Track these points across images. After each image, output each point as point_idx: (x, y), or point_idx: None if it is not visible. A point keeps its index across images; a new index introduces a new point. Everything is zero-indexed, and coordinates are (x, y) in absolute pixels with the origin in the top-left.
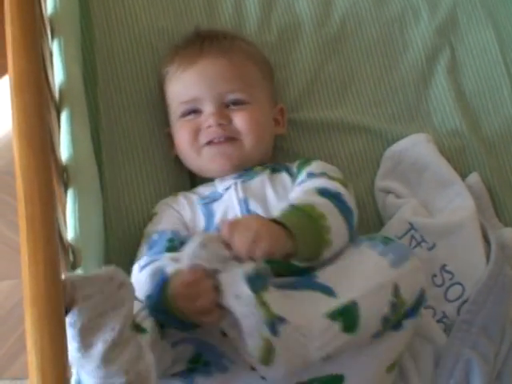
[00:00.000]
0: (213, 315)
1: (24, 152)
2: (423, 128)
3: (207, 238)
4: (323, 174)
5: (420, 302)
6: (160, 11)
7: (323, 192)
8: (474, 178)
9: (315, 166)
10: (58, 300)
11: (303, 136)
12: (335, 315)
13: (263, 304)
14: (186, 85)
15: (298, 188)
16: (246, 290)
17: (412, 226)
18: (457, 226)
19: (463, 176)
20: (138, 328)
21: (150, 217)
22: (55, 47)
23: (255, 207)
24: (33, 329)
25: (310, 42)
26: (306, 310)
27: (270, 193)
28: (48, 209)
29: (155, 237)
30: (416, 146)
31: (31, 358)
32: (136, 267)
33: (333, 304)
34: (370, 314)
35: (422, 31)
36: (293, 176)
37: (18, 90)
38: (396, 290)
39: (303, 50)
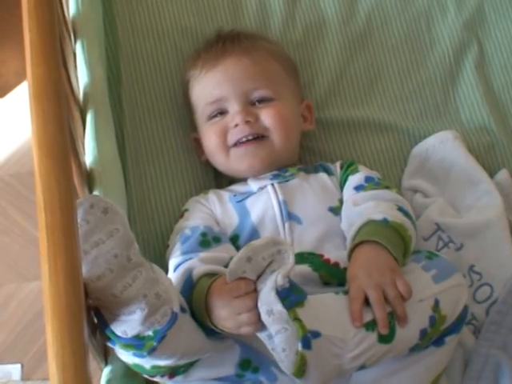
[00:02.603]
0: (252, 328)
1: (43, 161)
2: (451, 124)
3: (252, 252)
4: (381, 181)
5: (463, 318)
6: (184, 10)
7: (401, 209)
8: (503, 174)
9: (365, 169)
10: (79, 312)
11: (329, 135)
12: (372, 325)
13: (296, 320)
14: (210, 86)
15: (365, 194)
16: (278, 307)
17: (439, 227)
18: (484, 225)
19: (492, 173)
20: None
21: (181, 213)
22: (78, 49)
23: (295, 210)
24: (54, 341)
25: (335, 39)
26: (342, 320)
27: (309, 194)
28: (68, 218)
29: (188, 232)
30: (443, 144)
31: (52, 371)
32: (171, 265)
33: (370, 314)
34: (408, 326)
35: (449, 26)
36: (332, 175)
37: (37, 97)
38: (436, 305)
39: (328, 48)
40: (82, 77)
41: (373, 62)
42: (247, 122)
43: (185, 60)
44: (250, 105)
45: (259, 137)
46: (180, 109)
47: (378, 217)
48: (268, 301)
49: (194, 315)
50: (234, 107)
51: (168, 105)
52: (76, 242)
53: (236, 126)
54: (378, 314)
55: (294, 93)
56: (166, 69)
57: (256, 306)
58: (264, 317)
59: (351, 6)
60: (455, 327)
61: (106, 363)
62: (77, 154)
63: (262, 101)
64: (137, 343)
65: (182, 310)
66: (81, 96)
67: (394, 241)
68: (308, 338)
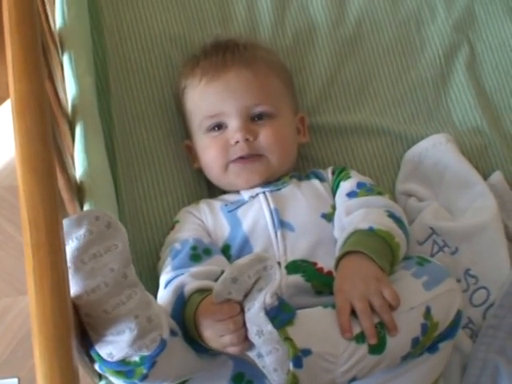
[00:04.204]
0: (238, 349)
1: (27, 179)
2: (443, 127)
3: (238, 272)
4: (373, 186)
5: (457, 323)
6: (172, 18)
7: (392, 215)
8: (496, 176)
9: (357, 174)
10: (66, 332)
11: (321, 140)
12: (362, 337)
13: (287, 339)
14: (210, 99)
15: (357, 201)
16: (268, 327)
17: (434, 231)
18: (479, 228)
19: (486, 175)
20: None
21: (172, 225)
22: (66, 61)
23: (287, 217)
24: (41, 362)
25: (325, 44)
26: (332, 335)
27: (301, 202)
28: (54, 236)
29: (178, 246)
30: (436, 147)
31: None
32: (162, 281)
33: (358, 326)
34: (399, 335)
35: (438, 28)
36: (324, 181)
37: (20, 113)
38: (428, 313)
39: (319, 53)
40: (69, 88)
41: (363, 66)
42: (246, 140)
43: (179, 66)
44: (250, 120)
45: (256, 155)
46: (170, 117)
47: (364, 226)
48: (257, 321)
49: (187, 332)
50: (233, 123)
51: (158, 113)
52: (62, 260)
53: (236, 142)
54: (364, 324)
55: (291, 106)
56: (156, 77)
57: (240, 328)
58: (254, 337)
59: (340, 11)
60: (449, 333)
61: (100, 379)
62: (65, 168)
63: (261, 116)
64: (124, 369)
65: (173, 333)
66: (69, 108)
67: (379, 249)
68: (299, 357)
